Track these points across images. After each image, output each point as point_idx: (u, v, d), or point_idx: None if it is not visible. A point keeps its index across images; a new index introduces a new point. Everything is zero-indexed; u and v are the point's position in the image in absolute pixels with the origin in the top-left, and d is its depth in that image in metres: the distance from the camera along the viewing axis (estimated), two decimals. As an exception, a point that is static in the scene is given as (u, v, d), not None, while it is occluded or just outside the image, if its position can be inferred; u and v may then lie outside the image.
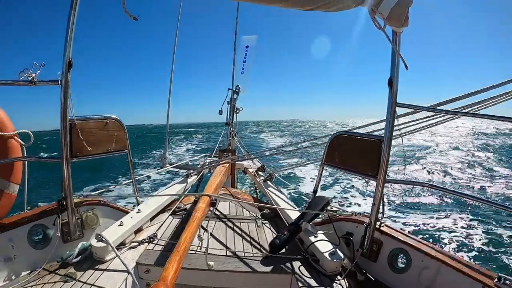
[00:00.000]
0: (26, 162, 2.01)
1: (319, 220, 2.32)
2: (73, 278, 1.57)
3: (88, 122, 1.99)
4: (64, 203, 1.89)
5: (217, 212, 2.57)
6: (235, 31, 5.20)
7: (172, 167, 4.10)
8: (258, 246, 2.04)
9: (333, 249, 1.81)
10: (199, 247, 1.89)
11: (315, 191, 2.46)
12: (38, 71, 1.76)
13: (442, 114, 2.04)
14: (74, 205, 1.94)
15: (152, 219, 2.37)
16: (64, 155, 1.82)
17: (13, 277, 1.69)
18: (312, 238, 1.94)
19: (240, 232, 2.26)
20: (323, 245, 1.87)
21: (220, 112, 5.10)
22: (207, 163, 3.65)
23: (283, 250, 1.92)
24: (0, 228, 1.72)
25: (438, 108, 1.88)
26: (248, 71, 5.12)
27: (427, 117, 2.19)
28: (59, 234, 1.89)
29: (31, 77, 1.72)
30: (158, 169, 4.37)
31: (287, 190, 9.03)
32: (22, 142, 1.98)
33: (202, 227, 1.76)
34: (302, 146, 3.97)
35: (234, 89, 5.13)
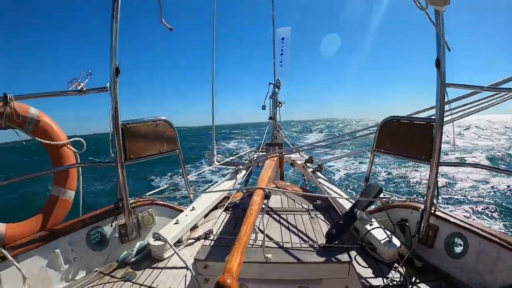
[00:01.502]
0: (80, 169, 2.08)
1: (372, 208, 2.26)
2: (133, 277, 1.60)
3: (139, 125, 2.02)
4: (120, 205, 1.95)
5: (270, 205, 2.57)
6: (272, 24, 5.23)
7: (220, 164, 4.14)
8: (314, 237, 2.02)
9: (389, 237, 1.77)
10: (254, 241, 1.88)
11: (366, 179, 2.41)
12: (86, 80, 1.80)
13: (503, 93, 1.90)
14: (130, 206, 1.99)
15: (206, 215, 2.40)
16: (118, 159, 1.87)
17: (74, 279, 1.75)
18: (367, 227, 1.90)
19: (294, 224, 2.25)
20: (379, 233, 1.83)
21: (263, 107, 5.10)
22: (255, 158, 3.64)
23: (339, 240, 1.88)
24: (60, 233, 1.78)
25: (492, 86, 1.78)
26: (286, 63, 5.15)
27: (483, 99, 2.10)
28: (117, 235, 1.95)
29: (80, 87, 1.78)
30: (207, 167, 4.43)
31: (335, 180, 9.07)
32: (75, 150, 2.04)
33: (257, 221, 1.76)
34: (349, 137, 3.86)
35: (275, 83, 5.13)
